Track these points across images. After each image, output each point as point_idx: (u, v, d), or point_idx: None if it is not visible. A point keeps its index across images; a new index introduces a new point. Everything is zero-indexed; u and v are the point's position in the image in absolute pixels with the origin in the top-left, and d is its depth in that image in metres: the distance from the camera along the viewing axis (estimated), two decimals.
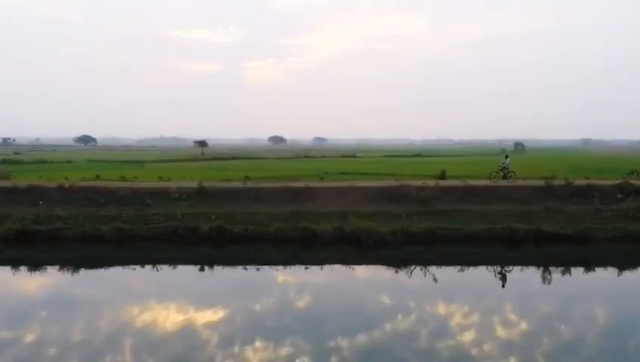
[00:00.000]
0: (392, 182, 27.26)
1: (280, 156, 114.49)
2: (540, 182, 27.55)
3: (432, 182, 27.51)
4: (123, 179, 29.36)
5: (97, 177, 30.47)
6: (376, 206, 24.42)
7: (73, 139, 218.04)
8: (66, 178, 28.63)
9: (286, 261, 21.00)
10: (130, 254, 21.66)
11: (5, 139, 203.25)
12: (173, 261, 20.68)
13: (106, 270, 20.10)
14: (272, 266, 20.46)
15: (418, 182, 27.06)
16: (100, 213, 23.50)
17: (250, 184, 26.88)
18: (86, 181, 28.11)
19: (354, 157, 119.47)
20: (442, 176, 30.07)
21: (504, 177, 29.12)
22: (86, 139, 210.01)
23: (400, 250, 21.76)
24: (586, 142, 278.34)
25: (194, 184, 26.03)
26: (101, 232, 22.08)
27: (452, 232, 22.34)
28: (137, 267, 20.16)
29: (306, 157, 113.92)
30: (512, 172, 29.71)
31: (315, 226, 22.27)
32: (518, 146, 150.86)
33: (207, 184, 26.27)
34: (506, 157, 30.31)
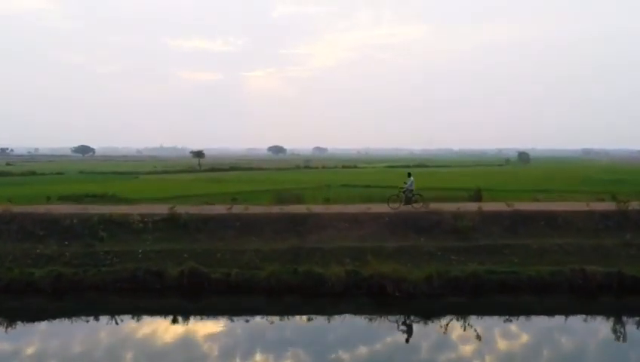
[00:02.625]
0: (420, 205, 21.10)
1: (279, 167, 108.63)
2: (603, 206, 21.48)
3: (471, 206, 21.19)
4: (77, 201, 23.31)
5: (48, 199, 24.37)
6: (402, 239, 18.34)
7: (71, 149, 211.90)
8: (10, 201, 22.59)
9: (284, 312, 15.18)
10: (65, 306, 15.64)
11: (3, 150, 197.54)
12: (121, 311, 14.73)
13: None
14: (266, 317, 14.65)
15: (452, 207, 20.91)
16: (36, 250, 17.38)
17: (236, 209, 20.75)
18: (27, 206, 21.92)
19: (355, 167, 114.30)
20: (478, 195, 23.91)
21: (407, 202, 21.46)
22: (84, 150, 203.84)
23: (437, 302, 15.70)
24: (587, 151, 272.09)
25: (163, 209, 19.90)
26: (33, 279, 16.02)
27: (506, 277, 16.25)
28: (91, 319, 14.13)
29: (306, 167, 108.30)
30: (418, 195, 22.13)
31: (322, 270, 16.20)
32: (523, 156, 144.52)
33: (181, 209, 20.17)
34: (409, 175, 22.25)
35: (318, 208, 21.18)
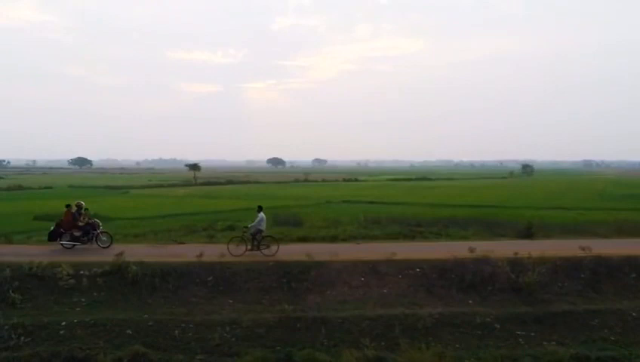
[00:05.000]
0: (460, 248, 15.35)
1: (278, 180, 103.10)
2: None
3: (529, 247, 15.07)
4: (7, 240, 17.77)
5: None
6: (443, 301, 12.66)
7: (68, 161, 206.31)
8: None
9: None
10: None
11: None
12: None
13: None
14: None
15: (504, 247, 15.12)
16: None
17: (211, 251, 15.03)
18: None
19: (356, 180, 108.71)
20: (528, 231, 18.25)
21: (255, 246, 15.60)
22: (81, 162, 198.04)
23: None
24: (587, 163, 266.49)
25: (108, 255, 14.12)
26: None
27: None
28: None
29: (306, 181, 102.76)
30: (270, 236, 16.27)
31: (330, 357, 10.57)
32: (526, 169, 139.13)
33: (134, 252, 14.48)
34: (259, 210, 16.16)
35: (321, 249, 15.45)
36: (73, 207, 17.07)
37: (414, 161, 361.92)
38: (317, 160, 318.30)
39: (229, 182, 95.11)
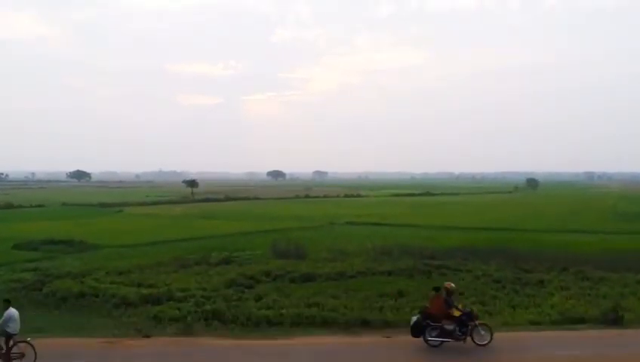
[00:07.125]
0: (529, 340, 11.14)
1: (279, 196, 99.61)
2: None
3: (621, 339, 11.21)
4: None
5: None
6: None
7: (66, 174, 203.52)
8: None
9: None
10: None
11: None
12: None
13: None
14: None
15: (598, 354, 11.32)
16: None
17: None
18: None
19: (358, 196, 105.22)
20: (615, 316, 14.21)
21: (4, 355, 10.80)
22: (80, 175, 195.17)
23: None
24: (589, 175, 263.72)
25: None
26: None
27: None
28: None
29: (307, 196, 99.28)
30: (25, 342, 10.99)
31: None
32: (531, 182, 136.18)
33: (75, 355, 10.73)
34: (8, 306, 11.14)
35: (335, 352, 11.65)
36: (443, 291, 12.85)
37: (415, 173, 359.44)
38: (317, 172, 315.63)
39: (228, 198, 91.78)
